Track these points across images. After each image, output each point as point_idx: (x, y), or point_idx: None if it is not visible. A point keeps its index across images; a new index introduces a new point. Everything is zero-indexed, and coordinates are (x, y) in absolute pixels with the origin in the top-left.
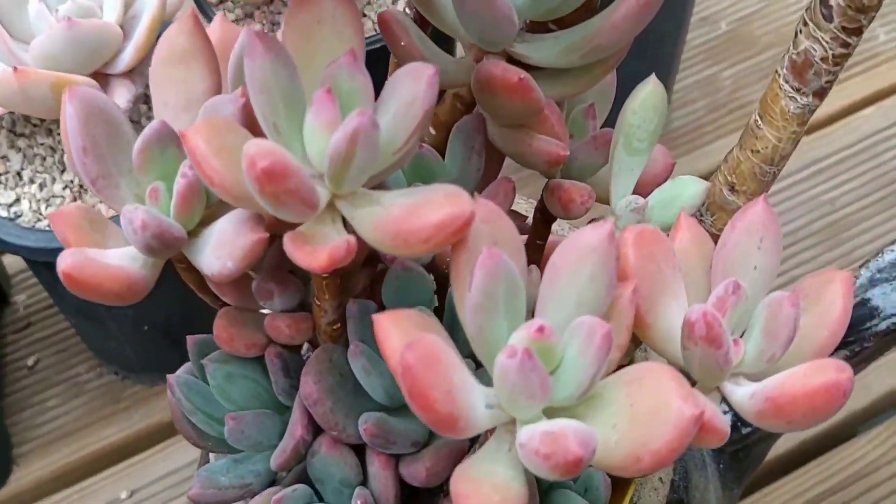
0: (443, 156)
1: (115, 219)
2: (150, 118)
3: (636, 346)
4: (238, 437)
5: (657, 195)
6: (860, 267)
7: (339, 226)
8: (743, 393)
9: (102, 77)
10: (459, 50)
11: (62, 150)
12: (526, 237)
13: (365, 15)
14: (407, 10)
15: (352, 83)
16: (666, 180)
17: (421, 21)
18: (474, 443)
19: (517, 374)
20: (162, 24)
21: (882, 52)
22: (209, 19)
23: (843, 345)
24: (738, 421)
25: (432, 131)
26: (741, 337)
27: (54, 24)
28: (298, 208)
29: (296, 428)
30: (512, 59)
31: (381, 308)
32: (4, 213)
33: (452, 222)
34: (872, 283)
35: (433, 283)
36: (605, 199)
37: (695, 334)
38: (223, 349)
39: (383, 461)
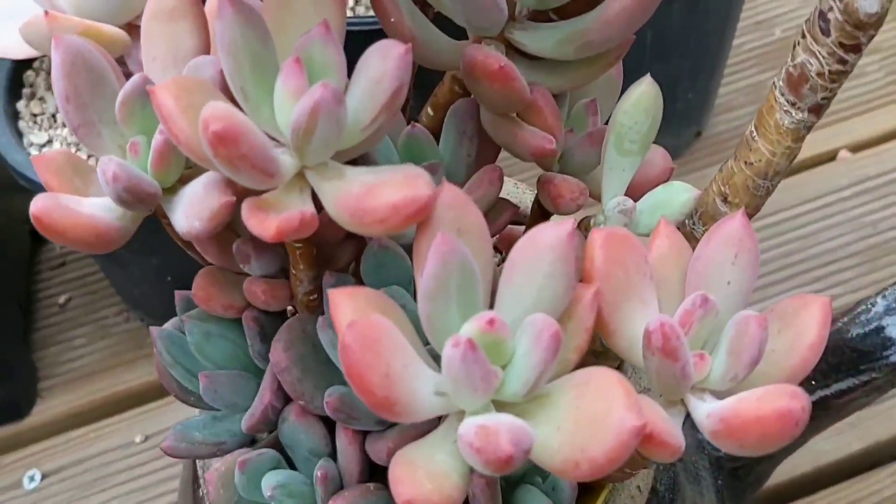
0: (438, 138)
1: None
2: None
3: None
4: (212, 395)
5: (647, 199)
6: (877, 295)
7: (306, 197)
8: (702, 410)
9: (135, 29)
10: None
11: None
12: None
13: None
14: None
15: (323, 55)
16: (665, 181)
17: (423, 1)
18: None
19: (460, 365)
20: None
21: None
22: None
23: (856, 373)
24: None
25: (430, 112)
26: (710, 353)
27: None
28: (253, 175)
29: (265, 393)
30: (511, 46)
31: (360, 284)
32: (36, 153)
33: (408, 205)
34: (888, 311)
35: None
36: (599, 196)
37: (651, 345)
38: (201, 308)
39: (350, 436)
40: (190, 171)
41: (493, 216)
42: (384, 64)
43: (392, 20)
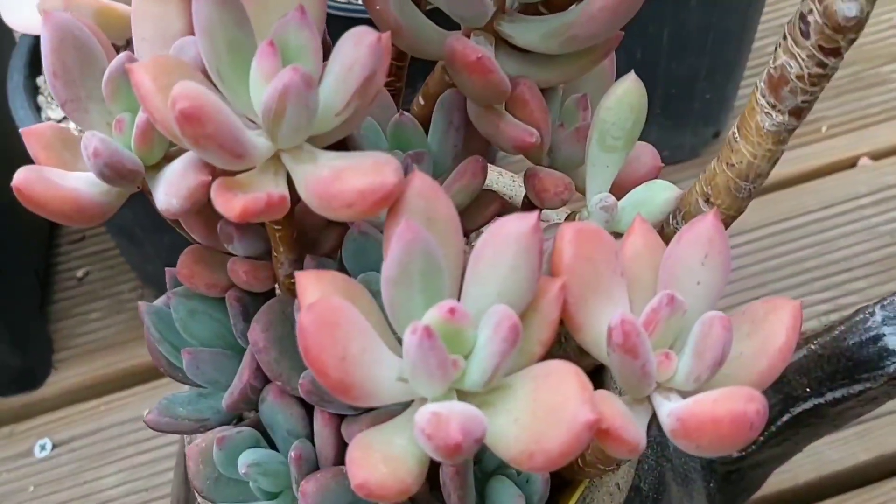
0: (429, 127)
1: None
2: None
3: None
4: (195, 372)
5: (630, 197)
6: (876, 304)
7: (280, 180)
8: (665, 409)
9: None
10: None
11: None
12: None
13: None
14: None
15: (298, 39)
16: (651, 178)
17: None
18: None
19: (416, 352)
20: None
21: None
22: None
23: (851, 382)
24: None
25: (421, 101)
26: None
27: None
28: (221, 155)
29: (244, 372)
30: (500, 39)
31: (343, 270)
32: None
33: (374, 191)
34: (887, 322)
35: None
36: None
37: (613, 341)
38: (185, 286)
39: (326, 418)
40: (176, 150)
41: (478, 207)
42: (356, 51)
43: (377, 8)
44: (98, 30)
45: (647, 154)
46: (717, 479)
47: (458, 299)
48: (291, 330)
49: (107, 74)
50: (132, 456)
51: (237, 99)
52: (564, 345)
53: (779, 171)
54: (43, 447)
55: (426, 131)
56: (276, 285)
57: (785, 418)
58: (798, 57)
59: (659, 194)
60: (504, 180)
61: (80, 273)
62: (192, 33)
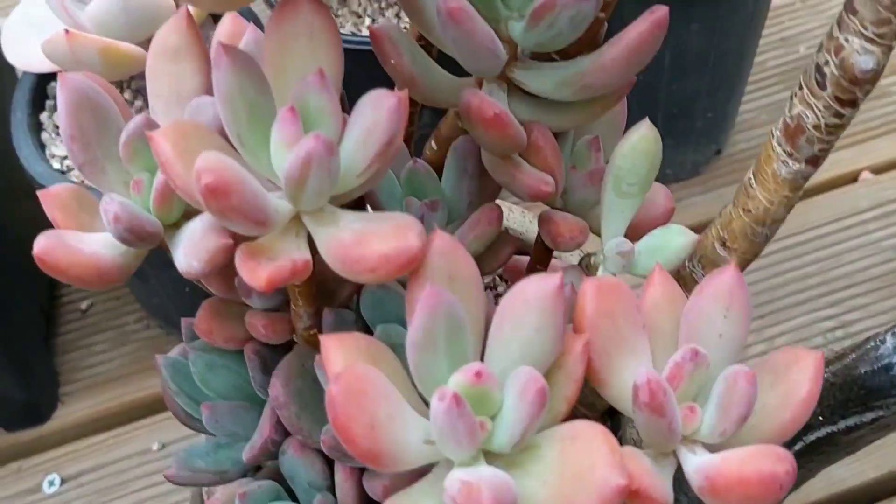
0: (441, 171)
1: None
2: None
3: None
4: (214, 425)
5: (646, 241)
6: (887, 332)
7: (301, 240)
8: (692, 464)
9: None
10: None
11: None
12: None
13: (360, 16)
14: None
15: (318, 103)
16: (665, 223)
17: (426, 40)
18: None
19: (445, 419)
20: None
21: None
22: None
23: (864, 410)
24: None
25: (434, 146)
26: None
27: None
28: (245, 224)
29: (265, 427)
30: (512, 84)
31: (360, 319)
32: (58, 166)
33: (398, 256)
34: None
35: None
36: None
37: (639, 400)
38: (203, 340)
39: (347, 472)
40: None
41: (493, 250)
42: (377, 115)
43: (392, 61)
44: (111, 87)
45: (661, 195)
46: None
47: (482, 356)
48: (311, 383)
49: (124, 137)
50: (141, 490)
51: (257, 162)
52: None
53: None
54: (52, 483)
55: (439, 175)
56: (294, 336)
57: (798, 447)
58: (814, 107)
59: (675, 239)
60: (514, 216)
61: (83, 305)
62: (208, 91)
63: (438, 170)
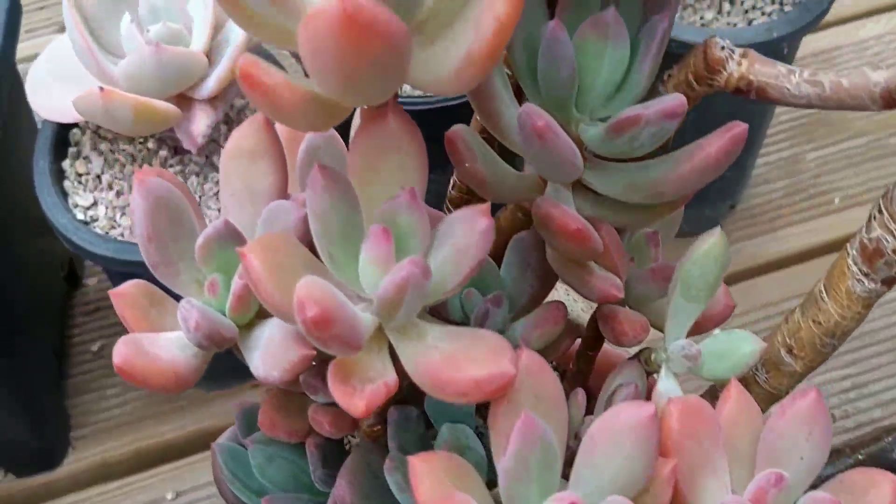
0: (500, 261)
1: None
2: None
3: None
4: None
5: (711, 344)
6: None
7: (384, 355)
8: None
9: (185, 100)
10: None
11: (141, 159)
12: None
13: None
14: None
15: (409, 222)
16: (724, 321)
17: (489, 135)
18: None
19: None
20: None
21: None
22: None
23: None
24: None
25: None
26: None
27: (143, 47)
28: (342, 349)
29: None
30: (578, 183)
31: (424, 415)
32: (81, 216)
33: (492, 382)
34: None
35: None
36: (660, 328)
37: None
38: (265, 433)
39: None
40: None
41: (555, 343)
42: (470, 236)
43: (467, 165)
44: (184, 186)
45: (721, 293)
46: None
47: (565, 478)
48: (374, 479)
49: (202, 240)
50: None
51: (345, 277)
52: None
53: (794, 244)
54: None
55: (497, 263)
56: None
57: None
58: (895, 232)
59: (743, 346)
60: (558, 292)
61: (95, 347)
62: (282, 189)
63: (495, 258)
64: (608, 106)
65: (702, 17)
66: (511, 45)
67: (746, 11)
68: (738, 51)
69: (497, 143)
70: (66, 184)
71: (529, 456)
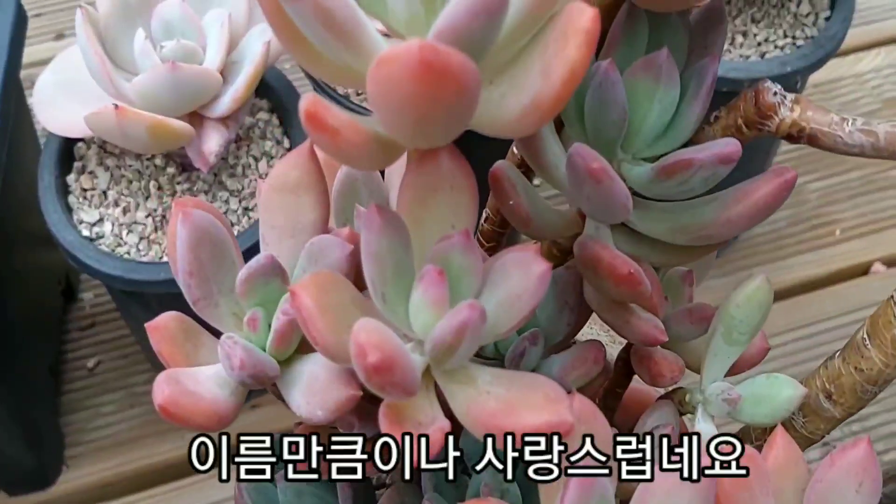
0: None
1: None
2: (237, 157)
3: None
4: None
5: (750, 388)
6: None
7: (432, 396)
8: None
9: (198, 118)
10: None
11: (148, 175)
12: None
13: None
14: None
15: (463, 263)
16: (758, 363)
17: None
18: None
19: None
20: (265, 70)
21: None
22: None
23: None
24: None
25: None
26: None
27: (157, 65)
28: (399, 395)
29: None
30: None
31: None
32: (87, 233)
33: (551, 430)
34: None
35: None
36: (694, 367)
37: None
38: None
39: None
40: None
41: (592, 383)
42: (525, 281)
43: (511, 203)
44: (224, 218)
45: (758, 336)
46: None
47: None
48: None
49: (244, 274)
50: None
51: (395, 317)
52: None
53: (796, 275)
54: None
55: None
56: None
57: None
58: None
59: (783, 392)
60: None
61: (90, 363)
62: (324, 224)
63: None
64: (654, 146)
65: None
66: None
67: (759, 44)
68: (790, 97)
69: (533, 177)
70: (71, 199)
71: None
